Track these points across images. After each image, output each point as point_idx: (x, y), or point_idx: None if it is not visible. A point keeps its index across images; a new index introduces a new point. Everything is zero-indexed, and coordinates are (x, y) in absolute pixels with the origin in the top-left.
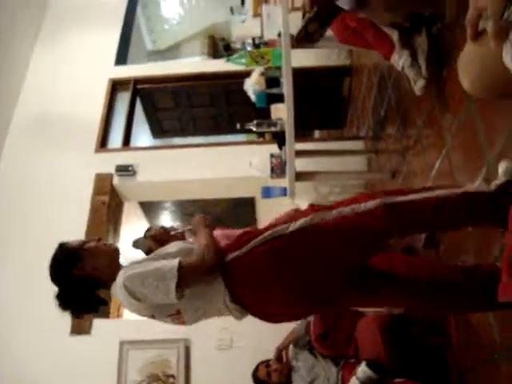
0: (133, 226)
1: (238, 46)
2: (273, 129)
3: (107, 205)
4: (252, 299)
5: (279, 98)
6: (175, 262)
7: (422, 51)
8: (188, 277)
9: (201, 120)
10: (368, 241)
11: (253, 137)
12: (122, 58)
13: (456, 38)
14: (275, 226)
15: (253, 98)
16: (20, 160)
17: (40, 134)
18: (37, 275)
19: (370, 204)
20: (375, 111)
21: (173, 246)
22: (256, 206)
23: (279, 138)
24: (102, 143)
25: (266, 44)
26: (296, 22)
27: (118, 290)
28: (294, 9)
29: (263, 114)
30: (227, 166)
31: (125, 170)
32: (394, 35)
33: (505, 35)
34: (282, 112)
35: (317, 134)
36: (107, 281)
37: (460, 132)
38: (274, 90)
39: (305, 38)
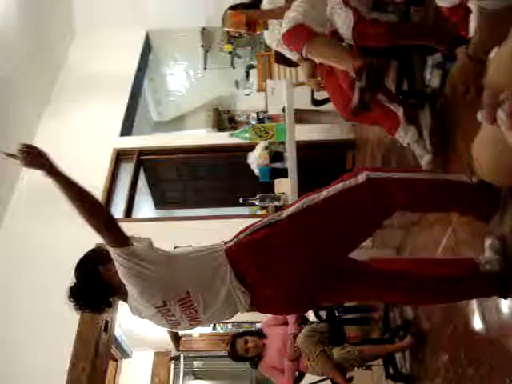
0: None
1: (242, 118)
2: (276, 203)
3: None
4: (254, 278)
5: (283, 173)
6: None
7: (425, 126)
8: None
9: (203, 192)
10: (358, 214)
11: (255, 209)
12: (127, 128)
13: (459, 114)
14: (269, 216)
15: (256, 172)
16: (19, 229)
17: (43, 202)
18: None
19: (356, 180)
20: None
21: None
22: None
23: None
24: None
25: (270, 118)
26: (300, 97)
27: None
28: (298, 84)
29: (266, 188)
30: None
31: None
32: (399, 112)
33: None
34: (286, 187)
35: None
36: (122, 292)
37: None
38: (278, 165)
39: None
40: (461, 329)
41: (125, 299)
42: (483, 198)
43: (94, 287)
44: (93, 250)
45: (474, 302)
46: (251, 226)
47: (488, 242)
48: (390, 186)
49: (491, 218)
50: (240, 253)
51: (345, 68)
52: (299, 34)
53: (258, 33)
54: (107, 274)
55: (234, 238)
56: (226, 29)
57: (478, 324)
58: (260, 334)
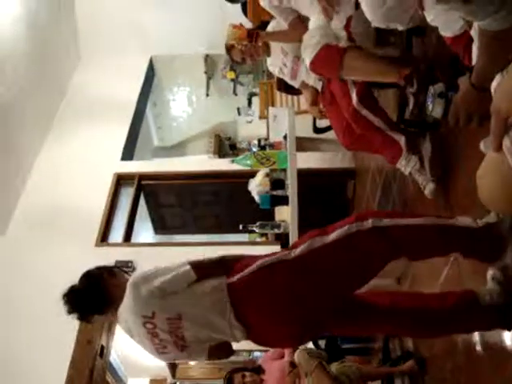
0: None
1: (243, 145)
2: (276, 231)
3: None
4: (254, 320)
5: (283, 200)
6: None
7: (426, 155)
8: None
9: (203, 218)
10: (364, 259)
11: (255, 236)
12: (128, 153)
13: (461, 143)
14: (276, 254)
15: (257, 198)
16: (18, 251)
17: (41, 225)
18: None
19: (362, 225)
20: None
21: None
22: None
23: (282, 240)
24: (103, 237)
25: (272, 146)
26: (301, 125)
27: (127, 295)
28: (300, 112)
29: (267, 215)
30: None
31: (124, 265)
32: (401, 141)
33: None
34: (286, 214)
35: None
36: (115, 303)
37: None
38: (279, 192)
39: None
40: (463, 360)
41: (115, 308)
42: (487, 244)
43: (90, 288)
44: (107, 265)
45: (476, 334)
46: (256, 259)
47: (490, 272)
48: (395, 233)
49: (495, 261)
50: (242, 292)
51: (391, 80)
52: (329, 55)
53: (260, 45)
54: (109, 281)
55: (238, 271)
56: (229, 42)
57: (480, 356)
58: (257, 369)
